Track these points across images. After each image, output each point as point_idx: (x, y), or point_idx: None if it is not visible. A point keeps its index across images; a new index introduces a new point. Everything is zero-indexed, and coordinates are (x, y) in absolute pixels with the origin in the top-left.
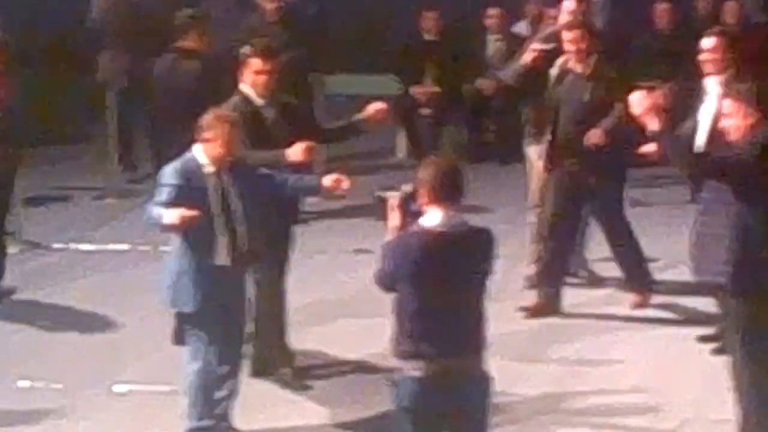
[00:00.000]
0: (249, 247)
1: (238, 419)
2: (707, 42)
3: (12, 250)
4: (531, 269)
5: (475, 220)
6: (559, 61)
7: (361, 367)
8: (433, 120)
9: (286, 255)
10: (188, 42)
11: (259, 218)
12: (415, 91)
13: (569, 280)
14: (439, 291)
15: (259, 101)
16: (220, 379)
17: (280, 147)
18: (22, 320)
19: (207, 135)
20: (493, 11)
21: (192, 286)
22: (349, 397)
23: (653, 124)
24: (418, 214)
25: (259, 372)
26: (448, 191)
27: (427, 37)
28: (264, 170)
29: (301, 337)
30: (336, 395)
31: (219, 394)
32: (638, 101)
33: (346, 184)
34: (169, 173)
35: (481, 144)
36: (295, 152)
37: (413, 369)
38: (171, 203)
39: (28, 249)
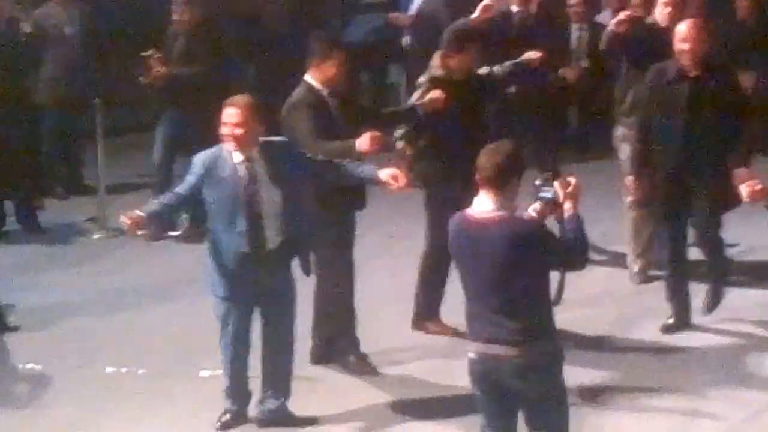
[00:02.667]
0: (284, 235)
1: (297, 406)
2: None
3: (96, 236)
4: (638, 265)
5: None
6: None
7: (444, 349)
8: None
9: (346, 241)
10: None
11: (294, 204)
12: None
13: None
14: (477, 276)
15: (324, 91)
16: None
17: (344, 137)
18: (108, 307)
19: (226, 120)
20: (575, 0)
21: (219, 273)
22: (423, 380)
23: None
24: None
25: (320, 359)
26: (494, 178)
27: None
28: (308, 155)
29: (386, 318)
30: (412, 378)
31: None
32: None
33: (402, 181)
34: (194, 163)
35: (564, 132)
36: (363, 142)
37: (470, 350)
38: (187, 194)
39: (112, 236)
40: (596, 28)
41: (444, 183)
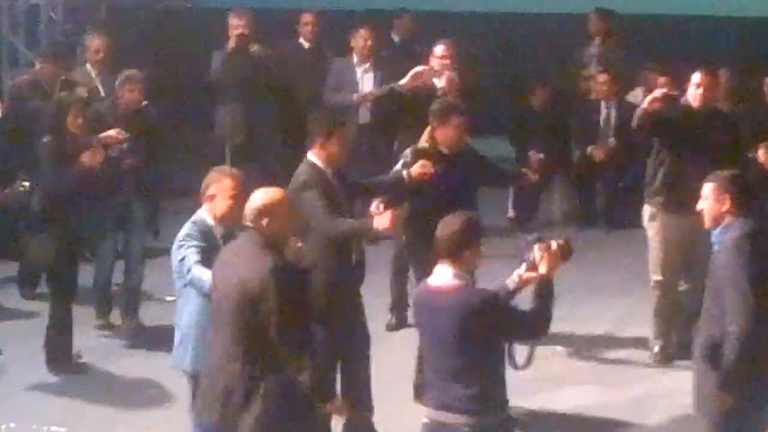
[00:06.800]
0: None
1: None
2: None
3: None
4: (659, 345)
5: (584, 286)
6: None
7: None
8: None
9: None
10: None
11: None
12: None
13: None
14: (432, 343)
15: (328, 171)
16: None
17: (344, 215)
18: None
19: (210, 192)
20: (603, 78)
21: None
22: None
23: None
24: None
25: None
26: (449, 249)
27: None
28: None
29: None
30: None
31: None
32: None
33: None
34: (188, 236)
35: (590, 210)
36: (383, 221)
37: (424, 416)
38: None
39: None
40: (625, 107)
41: (426, 256)
